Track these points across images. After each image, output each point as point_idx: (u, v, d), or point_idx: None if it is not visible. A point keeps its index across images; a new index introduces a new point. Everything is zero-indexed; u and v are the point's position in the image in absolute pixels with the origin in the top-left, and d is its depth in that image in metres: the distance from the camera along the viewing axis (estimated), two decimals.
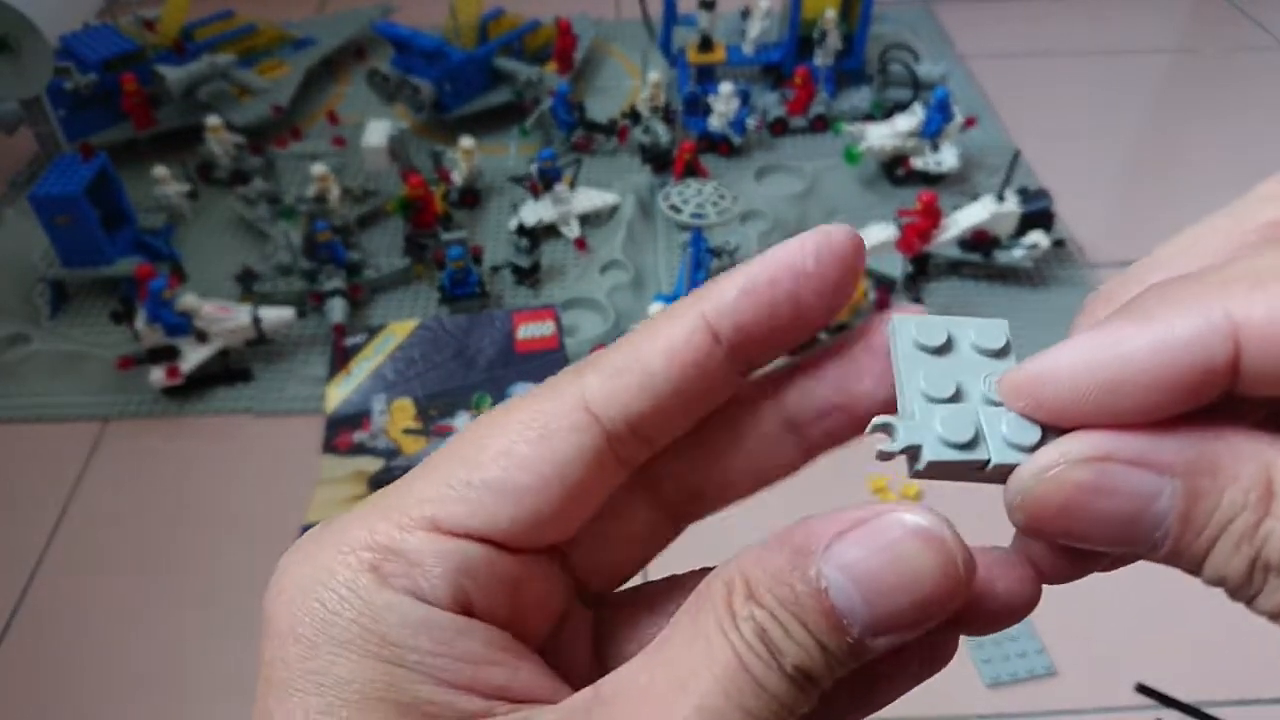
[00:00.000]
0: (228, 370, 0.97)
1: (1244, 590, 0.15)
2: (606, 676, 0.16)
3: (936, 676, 0.20)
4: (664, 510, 0.20)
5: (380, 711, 0.15)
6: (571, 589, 0.19)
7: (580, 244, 1.11)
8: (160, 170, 1.14)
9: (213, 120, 1.19)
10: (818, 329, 0.18)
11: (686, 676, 0.15)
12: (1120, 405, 0.15)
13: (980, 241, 1.03)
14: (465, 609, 0.16)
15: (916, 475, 0.17)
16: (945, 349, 0.18)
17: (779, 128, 1.29)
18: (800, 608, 0.15)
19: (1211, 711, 0.69)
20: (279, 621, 0.16)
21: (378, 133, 1.17)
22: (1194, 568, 0.15)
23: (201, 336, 0.93)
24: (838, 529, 0.15)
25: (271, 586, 0.17)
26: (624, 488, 0.19)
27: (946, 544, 0.15)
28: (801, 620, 0.15)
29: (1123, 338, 0.15)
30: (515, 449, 0.17)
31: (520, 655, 0.17)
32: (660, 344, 0.17)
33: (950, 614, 0.15)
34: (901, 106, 1.22)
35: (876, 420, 0.17)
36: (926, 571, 0.15)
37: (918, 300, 0.97)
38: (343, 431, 0.91)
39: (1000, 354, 0.18)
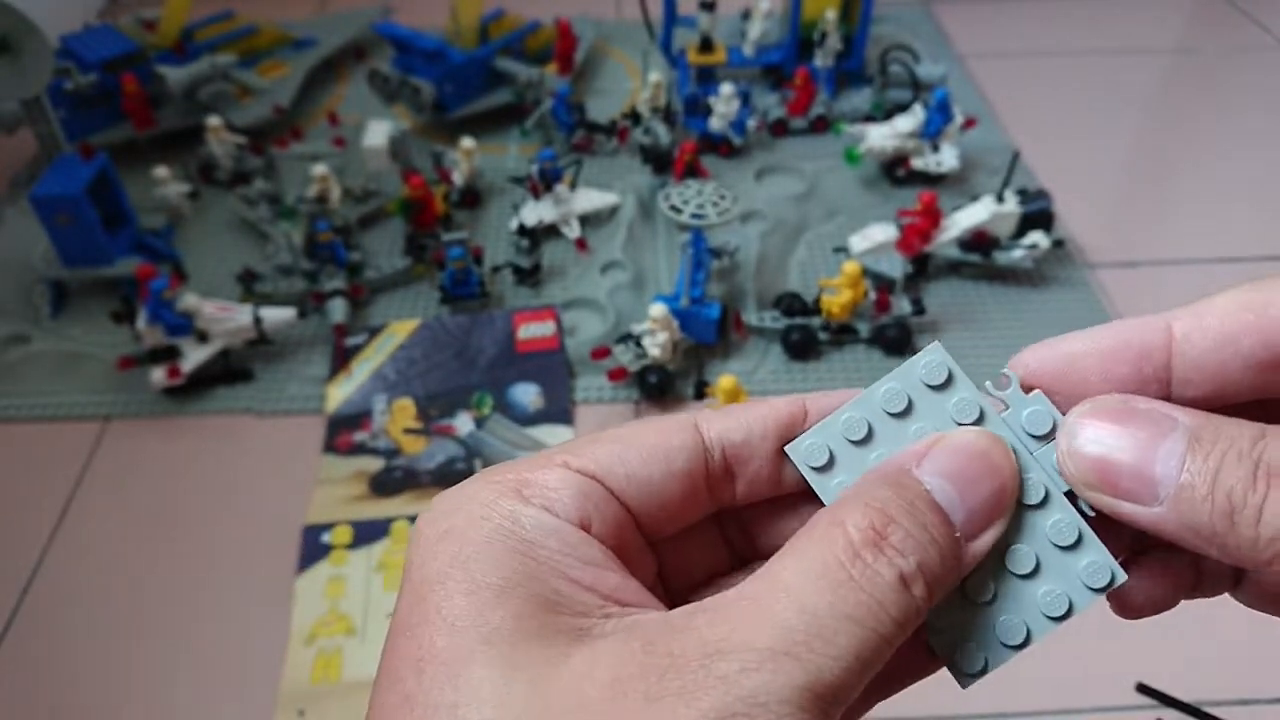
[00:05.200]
0: (228, 370, 0.97)
1: (1251, 502, 0.17)
2: (710, 597, 0.18)
3: (938, 675, 0.21)
4: (729, 547, 0.23)
5: (518, 597, 0.18)
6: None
7: (581, 244, 1.11)
8: (161, 171, 1.14)
9: (213, 121, 1.20)
10: None
11: (789, 582, 0.17)
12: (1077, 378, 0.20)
13: (980, 242, 1.03)
14: (585, 528, 0.19)
15: None
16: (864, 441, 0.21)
17: (779, 128, 1.29)
18: (914, 509, 0.18)
19: (1211, 711, 0.69)
20: (428, 531, 0.19)
21: (378, 133, 1.17)
22: (1205, 495, 0.17)
23: (202, 337, 0.93)
24: (920, 451, 0.19)
25: (426, 512, 0.20)
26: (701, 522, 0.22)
27: (997, 439, 0.19)
28: (916, 518, 0.18)
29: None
30: (633, 433, 0.21)
31: (627, 573, 0.19)
32: (763, 409, 0.21)
33: (1010, 504, 0.19)
34: (902, 107, 1.22)
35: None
36: (997, 458, 0.19)
37: (918, 302, 0.97)
38: (343, 431, 0.92)
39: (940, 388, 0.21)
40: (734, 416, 0.21)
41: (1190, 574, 0.21)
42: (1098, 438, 0.18)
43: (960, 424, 0.20)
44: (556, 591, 0.18)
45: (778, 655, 0.16)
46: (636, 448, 0.20)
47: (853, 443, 0.20)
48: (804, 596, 0.16)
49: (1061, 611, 0.19)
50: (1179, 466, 0.17)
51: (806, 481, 0.21)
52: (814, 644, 0.16)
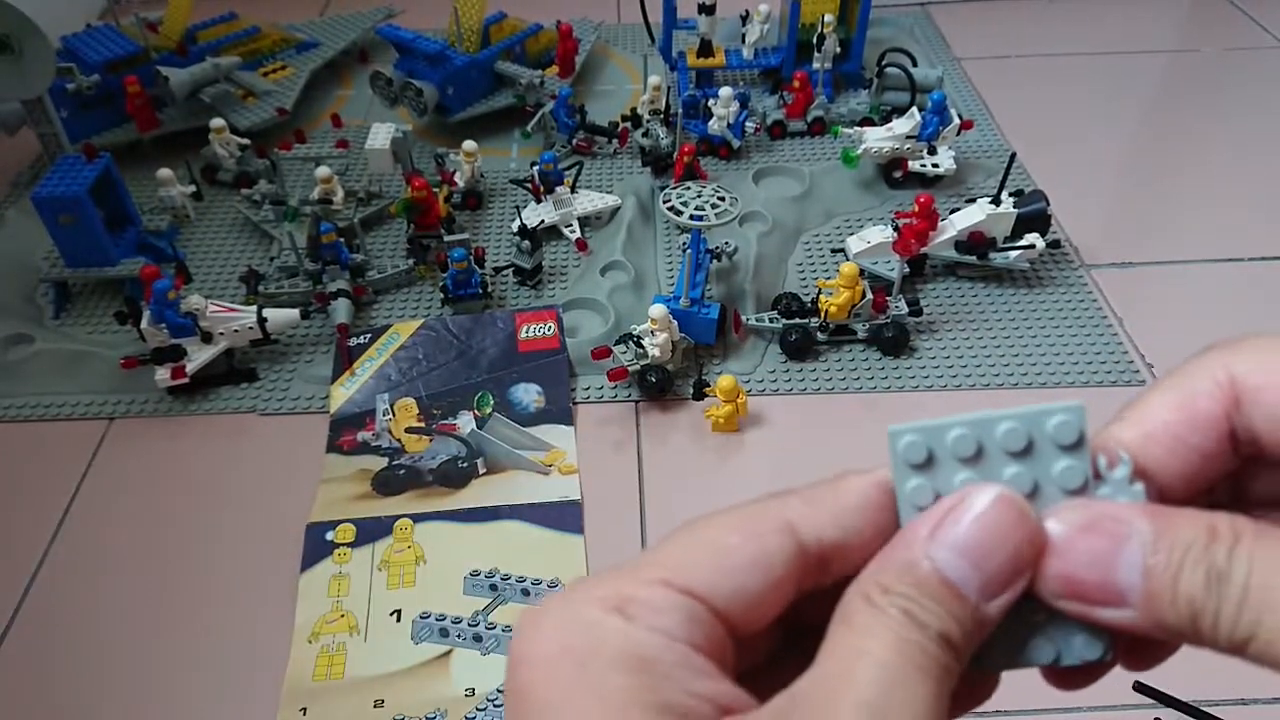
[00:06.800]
0: (233, 370, 0.98)
1: (1209, 608, 0.18)
2: (793, 684, 0.19)
3: None
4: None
5: (648, 708, 0.18)
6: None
7: (581, 245, 1.12)
8: (164, 172, 1.15)
9: (216, 122, 1.20)
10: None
11: (862, 650, 0.19)
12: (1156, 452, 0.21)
13: (976, 243, 1.04)
14: (692, 647, 0.20)
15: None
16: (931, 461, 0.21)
17: (777, 131, 1.30)
18: (927, 587, 0.19)
19: (1210, 710, 0.69)
20: (539, 651, 0.19)
21: (381, 136, 1.18)
22: (1169, 601, 0.18)
23: (207, 337, 0.94)
24: (932, 524, 0.20)
25: (528, 627, 0.20)
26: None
27: (1014, 500, 0.20)
28: (930, 595, 0.19)
29: (1149, 397, 0.21)
30: (727, 539, 0.21)
31: (732, 682, 0.20)
32: (853, 497, 0.21)
33: (1034, 560, 0.20)
34: (900, 111, 1.23)
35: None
36: (1009, 525, 0.20)
37: (915, 303, 0.98)
38: (346, 431, 0.92)
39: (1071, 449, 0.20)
40: (825, 509, 0.21)
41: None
42: (1060, 554, 0.20)
43: (1068, 490, 0.20)
44: (679, 702, 0.18)
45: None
46: (732, 557, 0.20)
47: (955, 457, 0.21)
48: (880, 657, 0.18)
49: (1096, 655, 0.21)
50: (1141, 574, 0.19)
51: (892, 466, 0.21)
52: (894, 701, 0.18)
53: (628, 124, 1.27)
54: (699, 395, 0.93)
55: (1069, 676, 0.22)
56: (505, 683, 0.20)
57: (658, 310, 0.91)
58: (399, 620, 0.77)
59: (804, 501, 0.21)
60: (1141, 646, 0.22)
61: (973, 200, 1.08)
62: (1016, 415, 0.20)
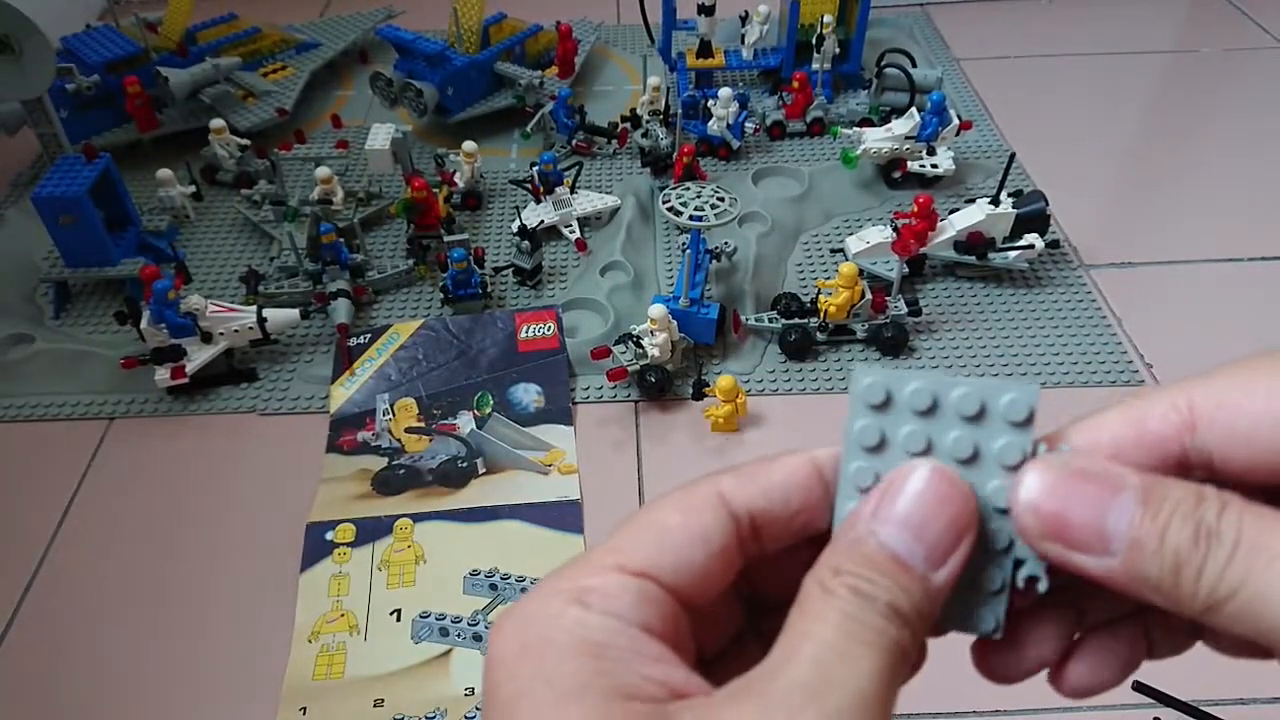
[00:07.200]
0: (233, 370, 0.98)
1: (1194, 562, 0.19)
2: (747, 673, 0.20)
3: (936, 673, 0.22)
4: (740, 600, 0.25)
5: (597, 692, 0.19)
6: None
7: (581, 245, 1.12)
8: (164, 172, 1.15)
9: (216, 123, 1.20)
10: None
11: (808, 632, 0.19)
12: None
13: (975, 243, 1.04)
14: (648, 630, 0.21)
15: None
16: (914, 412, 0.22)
17: (777, 131, 1.30)
18: (873, 562, 0.20)
19: (1209, 710, 0.70)
20: (503, 651, 0.21)
21: (381, 136, 1.18)
22: (1154, 552, 0.19)
23: (207, 337, 0.94)
24: (874, 504, 0.21)
25: (495, 629, 0.22)
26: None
27: (947, 473, 0.21)
28: (878, 569, 0.20)
29: (1108, 417, 0.22)
30: (668, 519, 0.22)
31: (686, 666, 0.21)
32: (780, 474, 0.23)
33: (970, 527, 0.21)
34: (899, 111, 1.23)
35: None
36: (945, 496, 0.21)
37: (914, 303, 0.98)
38: (346, 431, 0.92)
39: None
40: (755, 482, 0.23)
41: (1129, 652, 0.24)
42: (1054, 494, 0.20)
43: (1005, 465, 0.21)
44: (631, 685, 0.19)
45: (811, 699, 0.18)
46: (673, 534, 0.22)
47: (910, 408, 0.22)
48: (822, 638, 0.19)
49: (987, 629, 0.22)
50: (1130, 523, 0.19)
51: (849, 404, 0.22)
52: (834, 677, 0.18)
53: (627, 124, 1.28)
54: (698, 395, 0.94)
55: (988, 657, 0.23)
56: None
57: (657, 310, 0.91)
58: (399, 620, 0.77)
59: (734, 476, 0.23)
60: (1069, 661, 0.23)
61: (972, 200, 1.08)
62: (975, 384, 0.21)
